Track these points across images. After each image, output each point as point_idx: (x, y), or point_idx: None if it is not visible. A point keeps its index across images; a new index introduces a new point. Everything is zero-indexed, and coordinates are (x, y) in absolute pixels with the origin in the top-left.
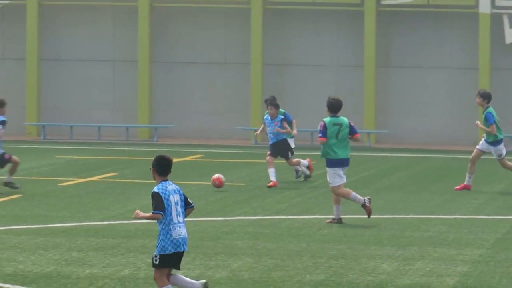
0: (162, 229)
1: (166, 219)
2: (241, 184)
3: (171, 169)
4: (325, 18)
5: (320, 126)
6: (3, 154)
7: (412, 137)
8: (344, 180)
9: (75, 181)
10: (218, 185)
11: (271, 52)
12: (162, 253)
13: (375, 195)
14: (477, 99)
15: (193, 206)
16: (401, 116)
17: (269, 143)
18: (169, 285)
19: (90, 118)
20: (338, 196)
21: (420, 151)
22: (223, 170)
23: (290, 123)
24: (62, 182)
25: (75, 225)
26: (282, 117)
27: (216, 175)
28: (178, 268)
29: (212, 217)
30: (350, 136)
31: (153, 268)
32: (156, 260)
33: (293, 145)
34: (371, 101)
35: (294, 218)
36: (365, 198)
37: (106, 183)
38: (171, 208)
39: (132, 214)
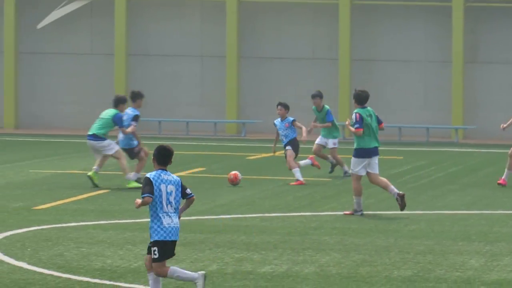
0: (151, 216)
1: (155, 207)
2: (328, 179)
3: (171, 160)
4: (413, 13)
5: (356, 117)
6: (134, 147)
7: (500, 132)
8: (366, 171)
9: None
10: (233, 180)
11: (359, 48)
12: (156, 239)
13: (463, 191)
14: None
15: (192, 196)
16: (489, 112)
17: (283, 145)
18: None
19: (178, 113)
20: (377, 184)
21: (508, 146)
22: (310, 166)
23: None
24: None
25: None
26: (293, 118)
27: (234, 172)
28: (173, 255)
29: (300, 212)
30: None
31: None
32: (155, 254)
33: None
34: (459, 97)
35: (382, 213)
36: (397, 192)
37: (194, 178)
38: (161, 197)
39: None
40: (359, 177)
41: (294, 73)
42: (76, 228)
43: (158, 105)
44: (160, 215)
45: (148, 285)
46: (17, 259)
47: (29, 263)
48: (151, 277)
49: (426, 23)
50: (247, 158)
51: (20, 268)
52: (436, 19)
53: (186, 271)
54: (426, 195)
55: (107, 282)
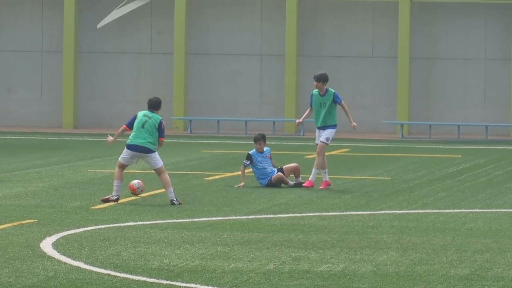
0: None
1: None
2: (387, 178)
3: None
4: (473, 11)
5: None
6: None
7: None
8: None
9: (221, 175)
10: (134, 190)
11: (418, 46)
12: None
13: None
14: None
15: None
16: None
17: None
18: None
19: (237, 112)
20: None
21: None
22: (368, 164)
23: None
24: (208, 177)
25: (221, 219)
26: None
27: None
28: None
29: (357, 211)
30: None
31: None
32: None
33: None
34: None
35: (439, 212)
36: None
37: (252, 177)
38: None
39: None
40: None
41: (354, 72)
42: (133, 228)
43: (217, 104)
44: None
45: (206, 285)
46: (74, 258)
47: (86, 263)
48: None
49: (486, 21)
50: (306, 157)
51: (77, 267)
52: (496, 16)
53: None
54: (485, 193)
55: (164, 282)
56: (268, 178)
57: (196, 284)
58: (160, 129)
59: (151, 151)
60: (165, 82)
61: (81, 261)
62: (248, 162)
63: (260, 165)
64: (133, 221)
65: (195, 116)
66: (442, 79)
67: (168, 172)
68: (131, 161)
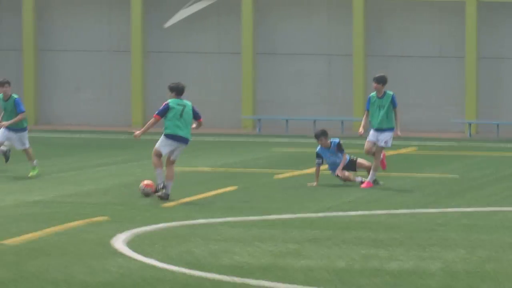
0: None
1: None
2: (455, 176)
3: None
4: None
5: None
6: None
7: None
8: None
9: (290, 173)
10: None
11: (486, 46)
12: None
13: None
14: None
15: None
16: None
17: None
18: None
19: (305, 111)
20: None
21: None
22: (436, 163)
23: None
24: (278, 174)
25: (291, 217)
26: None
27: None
28: None
29: (426, 209)
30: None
31: None
32: None
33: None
34: None
35: (508, 210)
36: None
37: (322, 175)
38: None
39: None
40: None
41: (421, 71)
42: (204, 225)
43: (285, 103)
44: None
45: (277, 282)
46: (146, 255)
47: (158, 260)
48: None
49: None
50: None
51: (150, 265)
52: None
53: None
54: None
55: (236, 279)
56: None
57: (267, 281)
58: (195, 112)
59: (188, 142)
60: (233, 81)
61: (153, 258)
62: (320, 161)
63: (330, 159)
64: (204, 219)
65: (263, 115)
66: (509, 79)
67: (237, 169)
68: (169, 150)
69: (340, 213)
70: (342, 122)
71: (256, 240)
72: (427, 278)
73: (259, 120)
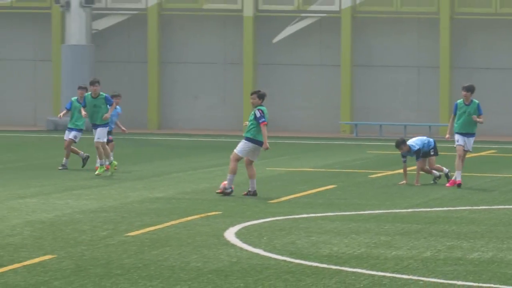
0: None
1: None
2: None
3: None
4: None
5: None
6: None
7: None
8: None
9: (383, 173)
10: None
11: None
12: None
13: None
14: None
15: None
16: None
17: None
18: None
19: (397, 117)
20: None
21: None
22: None
23: None
24: (372, 174)
25: (383, 212)
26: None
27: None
28: None
29: (504, 205)
30: None
31: None
32: None
33: None
34: None
35: None
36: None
37: (410, 175)
38: None
39: None
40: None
41: (501, 82)
42: (306, 219)
43: (380, 110)
44: None
45: (371, 270)
46: (254, 246)
47: (265, 250)
48: None
49: None
50: None
51: (257, 254)
52: None
53: None
54: None
55: (333, 267)
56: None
57: (361, 269)
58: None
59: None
60: (333, 91)
61: (261, 248)
62: (405, 159)
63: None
64: (306, 214)
65: (360, 121)
66: None
67: (336, 170)
68: (251, 155)
69: (427, 209)
70: (429, 127)
71: (352, 233)
72: (505, 267)
73: (356, 125)
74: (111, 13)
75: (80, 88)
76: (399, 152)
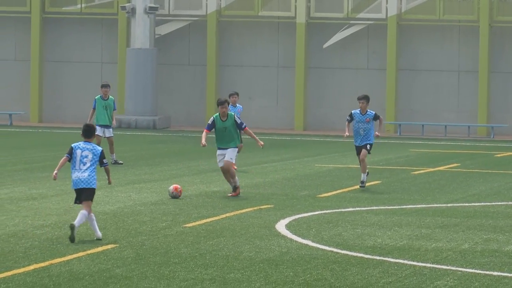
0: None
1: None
2: None
3: (92, 135)
4: None
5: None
6: None
7: None
8: None
9: (425, 170)
10: (177, 193)
11: None
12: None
13: None
14: None
15: (106, 164)
16: None
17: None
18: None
19: (438, 118)
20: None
21: None
22: None
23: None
24: (414, 171)
25: (424, 207)
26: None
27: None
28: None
29: None
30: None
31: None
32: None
33: None
34: None
35: None
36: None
37: (450, 172)
38: (76, 158)
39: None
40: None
41: None
42: (352, 213)
43: (422, 111)
44: (72, 170)
45: (412, 261)
46: (303, 237)
47: (313, 241)
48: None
49: None
50: (495, 155)
51: (306, 245)
52: None
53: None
54: None
55: (377, 257)
56: None
57: (403, 260)
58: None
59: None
60: (379, 93)
61: (309, 239)
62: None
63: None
64: (352, 207)
65: (403, 121)
66: None
67: (381, 167)
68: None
69: (466, 204)
70: (468, 127)
71: (395, 226)
72: None
73: (400, 125)
74: (173, 19)
75: (104, 86)
76: (440, 151)
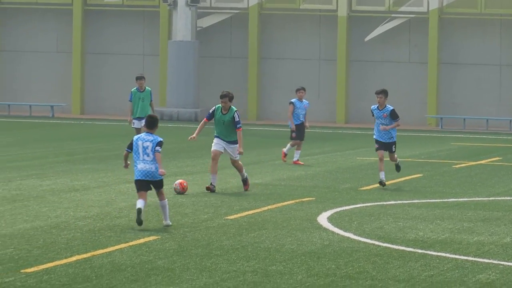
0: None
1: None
2: None
3: (154, 125)
4: None
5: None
6: None
7: None
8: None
9: (466, 164)
10: (182, 189)
11: None
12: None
13: None
14: None
15: (158, 150)
16: None
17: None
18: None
19: (480, 111)
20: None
21: None
22: None
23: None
24: (455, 165)
25: (466, 200)
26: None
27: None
28: (145, 190)
29: None
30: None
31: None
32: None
33: None
34: None
35: None
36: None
37: (492, 166)
38: (138, 149)
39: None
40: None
41: None
42: (394, 206)
43: (464, 104)
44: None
45: (454, 254)
46: (345, 230)
47: (355, 234)
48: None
49: None
50: None
51: (348, 238)
52: None
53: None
54: None
55: (419, 251)
56: None
57: (445, 253)
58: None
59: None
60: (420, 86)
61: (351, 232)
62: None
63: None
64: (394, 200)
65: (445, 115)
66: None
67: (422, 160)
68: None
69: (508, 198)
70: (510, 121)
71: (437, 219)
72: None
73: (441, 118)
74: (215, 11)
75: (139, 78)
76: (481, 144)
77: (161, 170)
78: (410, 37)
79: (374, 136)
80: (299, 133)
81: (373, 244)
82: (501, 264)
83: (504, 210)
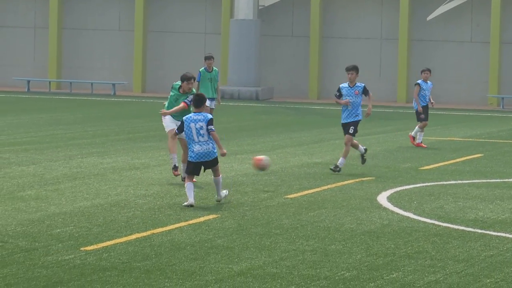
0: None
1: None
2: None
3: (202, 104)
4: None
5: None
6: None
7: None
8: None
9: None
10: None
11: None
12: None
13: None
14: None
15: (212, 130)
16: None
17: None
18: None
19: None
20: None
21: None
22: None
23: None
24: None
25: None
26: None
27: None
28: (197, 174)
29: None
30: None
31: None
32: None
33: None
34: None
35: None
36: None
37: None
38: (191, 131)
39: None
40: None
41: None
42: (454, 186)
43: None
44: (192, 144)
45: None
46: (405, 210)
47: (414, 214)
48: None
49: None
50: None
51: (407, 217)
52: None
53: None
54: None
55: (479, 231)
56: None
57: (505, 233)
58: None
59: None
60: (482, 66)
61: (411, 212)
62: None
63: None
64: (454, 180)
65: (507, 94)
66: None
67: (482, 140)
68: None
69: None
70: None
71: (497, 199)
72: None
73: (503, 98)
74: None
75: (207, 58)
76: None
77: (223, 151)
78: (472, 17)
79: (341, 120)
80: (426, 114)
81: (433, 224)
82: None
83: None
